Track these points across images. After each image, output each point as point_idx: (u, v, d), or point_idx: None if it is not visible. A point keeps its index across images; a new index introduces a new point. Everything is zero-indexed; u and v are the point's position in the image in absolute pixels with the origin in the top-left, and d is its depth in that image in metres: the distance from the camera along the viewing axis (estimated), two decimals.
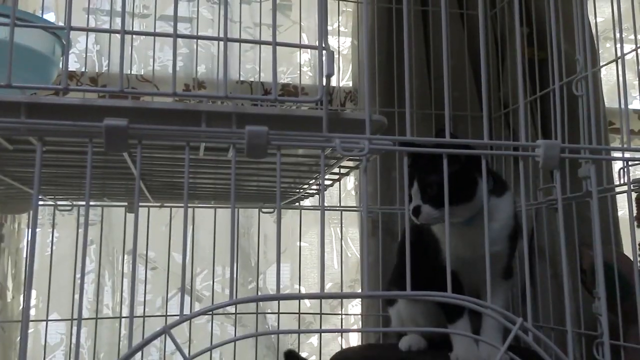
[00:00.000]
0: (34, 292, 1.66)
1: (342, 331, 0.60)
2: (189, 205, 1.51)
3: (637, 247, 1.37)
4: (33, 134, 0.66)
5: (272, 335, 1.67)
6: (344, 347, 1.65)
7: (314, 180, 1.14)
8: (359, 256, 1.75)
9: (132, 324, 0.64)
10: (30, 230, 0.87)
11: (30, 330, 1.63)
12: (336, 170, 1.17)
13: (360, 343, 1.62)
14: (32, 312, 1.64)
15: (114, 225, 1.64)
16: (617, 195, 1.51)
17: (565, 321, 1.32)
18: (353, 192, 1.83)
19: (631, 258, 1.31)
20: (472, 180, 1.05)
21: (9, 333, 1.49)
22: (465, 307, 1.11)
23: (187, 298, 1.64)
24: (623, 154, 1.02)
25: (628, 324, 1.18)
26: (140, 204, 1.46)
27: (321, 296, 0.61)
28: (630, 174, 1.07)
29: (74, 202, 1.48)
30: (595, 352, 1.04)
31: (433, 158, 0.94)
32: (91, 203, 1.54)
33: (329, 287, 1.78)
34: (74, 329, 1.37)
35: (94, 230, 1.59)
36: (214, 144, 0.78)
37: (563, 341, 1.34)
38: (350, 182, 1.85)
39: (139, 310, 1.57)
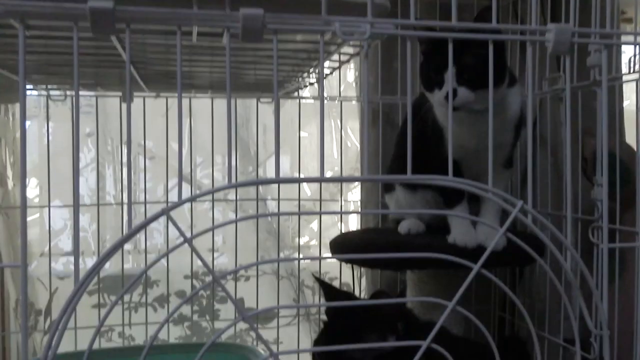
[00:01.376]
0: (35, 181, 1.68)
1: (341, 213, 0.61)
2: (185, 95, 1.49)
3: None
4: (13, 16, 0.62)
5: (273, 221, 1.70)
6: (343, 231, 1.69)
7: (313, 69, 1.11)
8: (358, 146, 1.74)
9: (131, 208, 0.64)
10: (20, 118, 0.85)
11: (35, 216, 1.66)
12: (336, 57, 1.13)
13: (359, 228, 1.65)
14: (36, 200, 1.66)
15: (110, 115, 1.62)
16: (624, 86, 1.48)
17: (563, 208, 1.33)
18: (353, 84, 1.79)
19: (633, 146, 1.31)
20: (502, 65, 1.01)
21: (13, 219, 1.52)
22: (464, 194, 1.12)
23: (187, 187, 1.66)
24: (635, 38, 0.98)
25: (625, 209, 1.19)
26: (135, 93, 1.43)
27: (321, 179, 0.61)
28: None
29: (67, 92, 1.45)
30: (591, 236, 1.06)
31: (463, 41, 0.90)
32: (85, 93, 1.51)
33: (328, 175, 1.79)
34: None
35: (91, 120, 1.57)
36: (207, 29, 0.74)
37: (559, 227, 1.37)
38: (350, 73, 1.81)
39: (140, 198, 1.59)
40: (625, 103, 1.60)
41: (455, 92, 1.00)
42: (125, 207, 1.57)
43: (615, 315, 1.15)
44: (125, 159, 1.63)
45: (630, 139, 1.51)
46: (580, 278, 1.21)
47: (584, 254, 1.26)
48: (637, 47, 0.95)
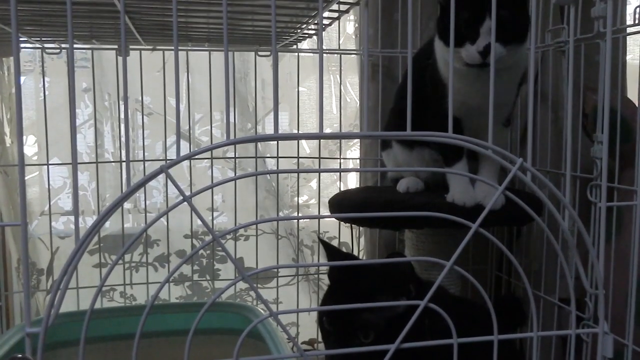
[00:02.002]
0: (33, 138, 1.67)
1: (340, 171, 0.60)
2: (182, 48, 1.47)
3: None
4: None
5: (272, 179, 1.70)
6: (342, 190, 1.69)
7: (311, 19, 1.08)
8: (357, 101, 1.72)
9: (129, 166, 0.63)
10: (14, 72, 0.85)
11: (34, 174, 1.66)
12: (335, 7, 1.11)
13: (358, 186, 1.65)
14: (35, 158, 1.66)
15: (106, 69, 1.60)
16: (628, 39, 1.45)
17: (562, 165, 1.33)
18: (353, 37, 1.76)
19: (635, 102, 1.29)
20: (528, 18, 0.98)
21: (12, 177, 1.51)
22: (463, 152, 1.11)
23: (186, 144, 1.65)
24: None
25: (624, 167, 1.19)
26: (131, 46, 1.40)
27: (320, 136, 0.60)
28: None
29: (62, 45, 1.42)
30: (589, 194, 1.06)
31: None
32: (80, 46, 1.48)
33: (327, 131, 1.78)
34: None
35: (87, 75, 1.54)
36: None
37: (557, 185, 1.37)
38: (350, 26, 1.77)
39: (138, 155, 1.58)
40: (628, 57, 1.58)
41: (488, 47, 0.95)
42: (124, 165, 1.57)
43: (611, 274, 1.16)
44: (122, 116, 1.62)
45: (632, 94, 1.50)
46: (577, 237, 1.22)
47: (582, 213, 1.26)
48: None
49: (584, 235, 0.66)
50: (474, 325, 0.65)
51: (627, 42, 1.50)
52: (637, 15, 1.21)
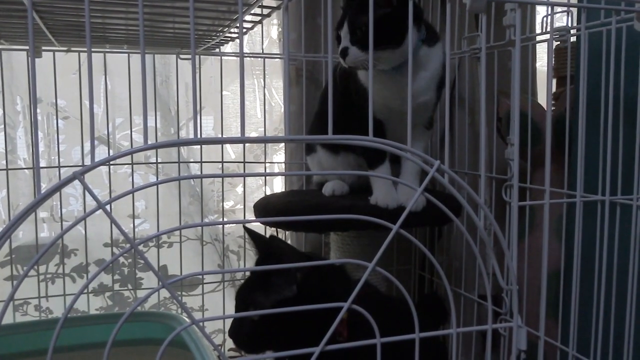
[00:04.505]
0: None
1: (265, 175, 0.59)
2: (98, 50, 1.41)
3: (552, 96, 1.43)
4: None
5: (196, 185, 1.66)
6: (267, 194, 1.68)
7: (233, 22, 1.07)
8: (282, 106, 1.72)
9: (39, 172, 0.60)
10: None
11: None
12: (258, 10, 1.10)
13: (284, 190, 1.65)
14: None
15: (17, 71, 1.51)
16: (537, 47, 1.54)
17: (479, 167, 1.38)
18: (277, 40, 1.76)
19: (544, 107, 1.37)
20: (403, 26, 1.01)
21: None
22: (386, 155, 1.14)
23: (105, 149, 1.59)
24: None
25: (535, 168, 1.25)
26: (44, 48, 1.34)
27: (243, 140, 0.59)
28: (554, 24, 1.07)
29: None
30: (504, 194, 1.11)
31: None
32: None
33: (252, 135, 1.77)
34: None
35: None
36: None
37: (475, 185, 1.42)
38: (274, 30, 1.77)
39: (55, 162, 1.51)
40: (538, 63, 1.67)
41: (346, 50, 1.01)
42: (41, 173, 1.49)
43: (525, 270, 1.21)
44: (39, 119, 1.54)
45: (542, 99, 1.58)
46: (494, 236, 1.27)
47: (499, 213, 1.32)
48: (551, 7, 0.98)
49: (498, 234, 0.69)
50: (398, 324, 0.66)
51: (537, 50, 1.59)
52: (544, 24, 1.28)
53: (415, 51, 1.05)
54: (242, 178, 1.66)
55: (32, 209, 0.57)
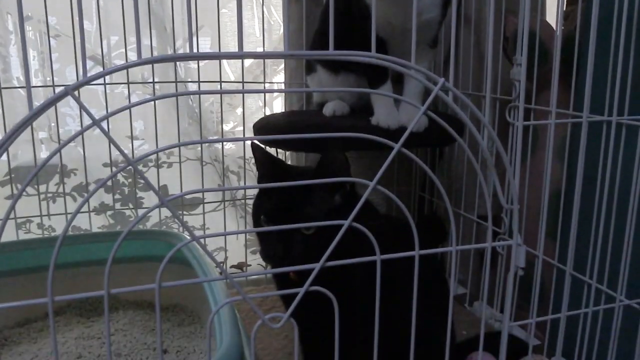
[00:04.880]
0: None
1: (264, 92, 0.57)
2: None
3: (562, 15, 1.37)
4: None
5: (195, 106, 1.64)
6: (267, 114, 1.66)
7: None
8: (282, 24, 1.67)
9: (30, 91, 0.58)
10: None
11: None
12: None
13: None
14: None
15: None
16: None
17: (483, 88, 1.35)
18: None
19: (553, 26, 1.32)
20: None
21: None
22: (388, 75, 1.11)
23: (99, 69, 1.55)
24: None
25: (541, 89, 1.22)
26: None
27: (242, 55, 0.57)
28: None
29: None
30: (508, 115, 1.09)
31: None
32: None
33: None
34: None
35: None
36: None
37: (479, 107, 1.40)
38: None
39: (49, 82, 1.48)
40: None
41: None
42: (33, 92, 1.46)
43: (526, 191, 1.21)
44: (32, 38, 1.49)
45: (550, 17, 1.53)
46: (496, 157, 1.27)
47: (501, 134, 1.31)
48: None
49: (501, 154, 0.68)
50: (398, 242, 0.66)
51: None
52: None
53: None
54: (242, 99, 1.63)
55: (26, 122, 0.56)
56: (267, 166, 0.85)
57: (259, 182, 0.90)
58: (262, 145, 0.90)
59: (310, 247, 0.77)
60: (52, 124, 1.56)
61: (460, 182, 1.44)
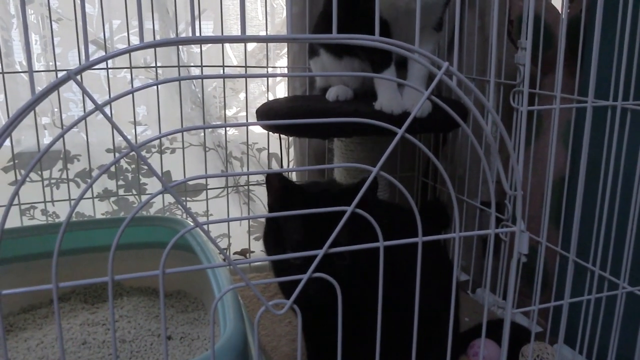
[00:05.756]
0: None
1: (267, 76, 0.57)
2: None
3: None
4: None
5: (198, 90, 1.63)
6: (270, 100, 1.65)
7: None
8: (285, 7, 1.65)
9: (32, 75, 0.58)
10: None
11: None
12: None
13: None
14: None
15: None
16: None
17: (487, 72, 1.34)
18: None
19: (558, 9, 1.31)
20: None
21: None
22: (392, 59, 1.10)
23: (102, 53, 1.54)
24: None
25: (545, 74, 1.21)
26: None
27: (245, 39, 0.56)
28: None
29: None
30: (512, 100, 1.08)
31: None
32: None
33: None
34: None
35: None
36: None
37: (483, 92, 1.39)
38: None
39: (52, 67, 1.48)
40: None
41: None
42: (36, 77, 1.45)
43: (530, 177, 1.21)
44: (34, 21, 1.48)
45: (556, 0, 1.52)
46: (499, 143, 1.26)
47: (505, 120, 1.30)
48: None
49: (505, 139, 0.67)
50: (401, 228, 0.66)
51: None
52: None
53: None
54: (245, 84, 1.63)
55: (29, 107, 0.56)
56: (282, 194, 0.79)
57: (270, 210, 0.84)
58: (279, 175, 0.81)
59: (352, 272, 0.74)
60: (55, 109, 1.55)
61: (463, 168, 1.44)
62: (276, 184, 0.79)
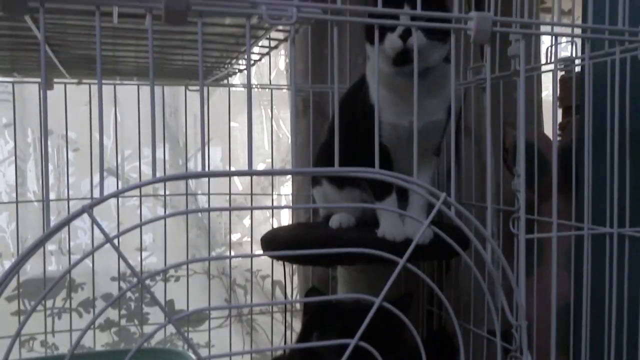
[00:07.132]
0: None
1: (272, 208, 0.59)
2: (108, 82, 1.43)
3: (558, 127, 1.43)
4: None
5: (204, 217, 1.67)
6: (274, 227, 1.68)
7: (242, 54, 1.09)
8: (290, 137, 1.73)
9: (49, 205, 0.61)
10: None
11: None
12: (266, 43, 1.12)
13: (290, 223, 1.65)
14: None
15: (29, 103, 1.54)
16: (543, 77, 1.54)
17: (486, 198, 1.37)
18: (284, 72, 1.78)
19: (551, 137, 1.36)
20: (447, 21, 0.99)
21: None
22: (392, 187, 1.13)
23: (114, 181, 1.60)
24: (552, 29, 1.02)
25: (543, 200, 1.24)
26: (56, 80, 1.36)
27: (251, 173, 0.59)
28: (558, 54, 1.08)
29: None
30: (512, 226, 1.10)
31: None
32: (1, 79, 1.43)
33: (260, 167, 1.77)
34: None
35: (7, 110, 1.48)
36: (129, 9, 0.71)
37: (482, 217, 1.41)
38: (281, 61, 1.80)
39: (65, 194, 1.52)
40: (544, 94, 1.67)
41: (410, 31, 0.93)
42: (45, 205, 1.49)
43: (534, 305, 1.19)
44: (50, 152, 1.55)
45: (548, 129, 1.59)
46: (503, 270, 1.26)
47: (507, 246, 1.31)
48: (555, 37, 0.99)
49: (506, 269, 0.68)
50: None
51: (543, 80, 1.59)
52: (549, 54, 1.28)
53: (438, 63, 1.04)
54: (250, 210, 1.66)
55: (40, 243, 0.58)
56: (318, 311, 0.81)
57: (304, 328, 0.84)
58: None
59: None
60: (63, 236, 1.58)
61: (468, 295, 1.42)
62: (314, 304, 0.78)
